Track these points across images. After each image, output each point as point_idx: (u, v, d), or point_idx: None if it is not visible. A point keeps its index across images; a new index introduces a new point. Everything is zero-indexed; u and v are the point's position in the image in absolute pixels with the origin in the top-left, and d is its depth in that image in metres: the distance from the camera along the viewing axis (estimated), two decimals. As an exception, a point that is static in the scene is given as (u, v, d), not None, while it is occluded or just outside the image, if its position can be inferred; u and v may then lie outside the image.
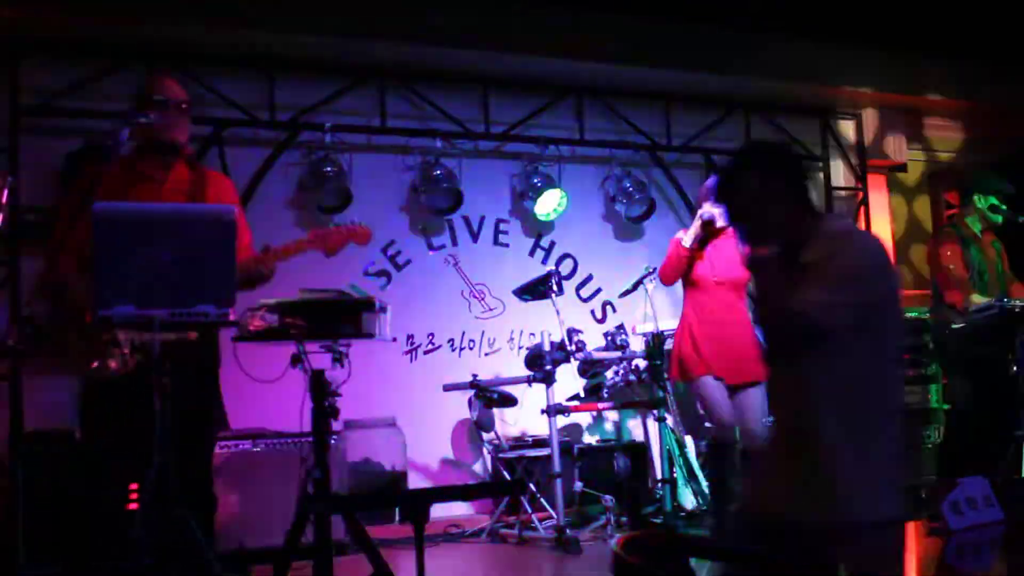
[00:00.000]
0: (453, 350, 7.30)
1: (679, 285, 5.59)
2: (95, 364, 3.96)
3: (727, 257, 5.38)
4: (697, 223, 5.34)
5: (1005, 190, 6.27)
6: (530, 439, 6.87)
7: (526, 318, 7.27)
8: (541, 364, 6.10)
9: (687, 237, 5.35)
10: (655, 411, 6.45)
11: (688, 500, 6.48)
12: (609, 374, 6.59)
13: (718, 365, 5.27)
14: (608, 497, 6.32)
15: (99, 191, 3.99)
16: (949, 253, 6.17)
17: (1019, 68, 8.30)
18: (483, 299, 7.41)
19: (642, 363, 6.59)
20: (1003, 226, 6.31)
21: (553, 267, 7.17)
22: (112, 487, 4.08)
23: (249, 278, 4.18)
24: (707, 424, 5.47)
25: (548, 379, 6.05)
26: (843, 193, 8.74)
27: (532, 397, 6.60)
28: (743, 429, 5.32)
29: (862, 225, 8.71)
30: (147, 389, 3.69)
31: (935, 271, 6.27)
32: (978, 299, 6.02)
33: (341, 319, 3.95)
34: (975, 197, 6.28)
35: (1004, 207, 6.24)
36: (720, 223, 5.24)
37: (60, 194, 5.87)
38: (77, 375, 4.10)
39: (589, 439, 7.34)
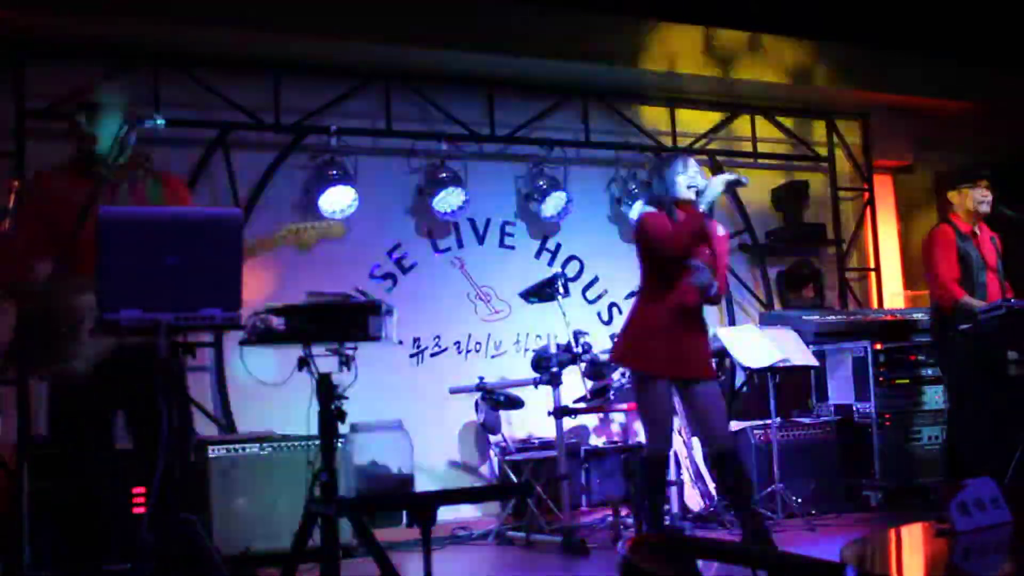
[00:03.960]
0: (459, 353, 7.29)
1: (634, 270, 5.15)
2: (58, 367, 3.94)
3: (693, 234, 4.84)
4: (720, 186, 4.76)
5: (976, 170, 6.16)
6: (537, 441, 6.87)
7: (532, 320, 7.27)
8: (547, 366, 6.09)
9: (705, 200, 4.73)
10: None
11: (695, 502, 6.47)
12: (615, 376, 6.58)
13: (687, 360, 4.85)
14: (615, 499, 6.31)
15: (44, 194, 3.97)
16: (941, 252, 6.07)
17: (1022, 69, 8.30)
18: (489, 301, 7.41)
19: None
20: (993, 218, 6.22)
21: (559, 269, 7.17)
22: (116, 491, 4.08)
23: None
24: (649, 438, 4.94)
25: (554, 381, 6.04)
26: (849, 194, 8.74)
27: (538, 399, 6.60)
28: (706, 430, 4.92)
29: (868, 227, 8.72)
30: (112, 391, 3.70)
31: (927, 269, 6.17)
32: (970, 301, 5.91)
33: (347, 322, 3.95)
34: (953, 192, 6.18)
35: (984, 185, 6.13)
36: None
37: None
38: (41, 377, 4.08)
39: (596, 441, 7.33)
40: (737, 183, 4.89)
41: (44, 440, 5.62)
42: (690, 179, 4.95)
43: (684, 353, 4.87)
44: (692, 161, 5.05)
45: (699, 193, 4.88)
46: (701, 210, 4.80)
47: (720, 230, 5.06)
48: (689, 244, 4.82)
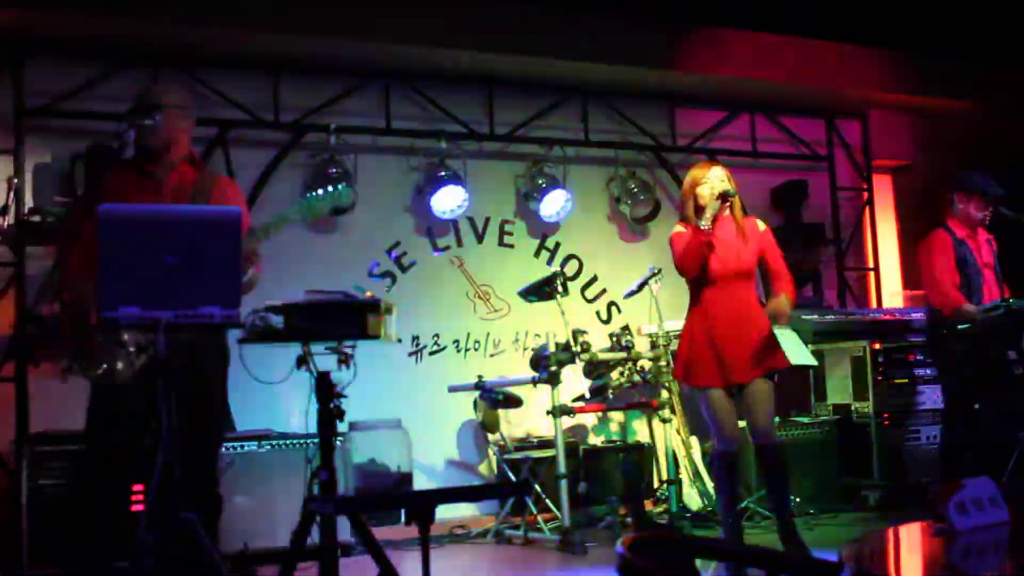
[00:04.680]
0: (458, 351, 7.29)
1: (682, 285, 5.38)
2: (102, 367, 3.97)
3: (730, 246, 4.97)
4: (715, 202, 4.87)
5: (992, 188, 6.16)
6: (535, 440, 6.87)
7: (531, 319, 7.26)
8: (546, 365, 6.10)
9: (704, 219, 4.84)
10: (660, 412, 6.45)
11: (693, 501, 6.47)
12: (614, 375, 6.58)
13: (733, 367, 4.90)
14: (613, 498, 6.31)
15: (105, 191, 4.02)
16: (940, 258, 6.06)
17: (1022, 69, 8.30)
18: (488, 300, 7.41)
19: (647, 364, 6.59)
20: (993, 223, 6.23)
21: (558, 268, 7.17)
22: (117, 489, 4.09)
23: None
24: (713, 439, 5.04)
25: (553, 380, 6.05)
26: (848, 194, 8.73)
27: (537, 398, 6.60)
28: (750, 423, 4.96)
29: (867, 226, 8.72)
30: (155, 390, 3.71)
31: (925, 274, 6.16)
32: (968, 307, 5.90)
33: (346, 321, 3.95)
34: (962, 195, 6.18)
35: (992, 205, 6.14)
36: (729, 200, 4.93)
37: (72, 195, 5.88)
38: (84, 377, 4.11)
39: (594, 440, 7.34)
40: (725, 195, 4.91)
41: (44, 437, 5.61)
42: (711, 188, 4.94)
43: (728, 361, 4.92)
44: (716, 170, 5.01)
45: (725, 198, 4.90)
46: (703, 227, 4.83)
47: (760, 226, 5.09)
48: (699, 260, 4.88)
